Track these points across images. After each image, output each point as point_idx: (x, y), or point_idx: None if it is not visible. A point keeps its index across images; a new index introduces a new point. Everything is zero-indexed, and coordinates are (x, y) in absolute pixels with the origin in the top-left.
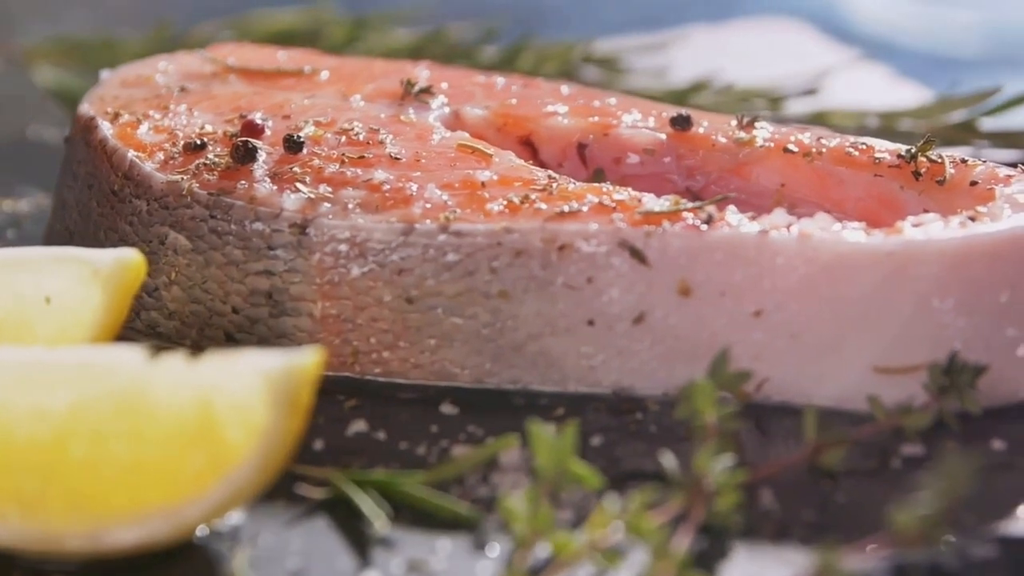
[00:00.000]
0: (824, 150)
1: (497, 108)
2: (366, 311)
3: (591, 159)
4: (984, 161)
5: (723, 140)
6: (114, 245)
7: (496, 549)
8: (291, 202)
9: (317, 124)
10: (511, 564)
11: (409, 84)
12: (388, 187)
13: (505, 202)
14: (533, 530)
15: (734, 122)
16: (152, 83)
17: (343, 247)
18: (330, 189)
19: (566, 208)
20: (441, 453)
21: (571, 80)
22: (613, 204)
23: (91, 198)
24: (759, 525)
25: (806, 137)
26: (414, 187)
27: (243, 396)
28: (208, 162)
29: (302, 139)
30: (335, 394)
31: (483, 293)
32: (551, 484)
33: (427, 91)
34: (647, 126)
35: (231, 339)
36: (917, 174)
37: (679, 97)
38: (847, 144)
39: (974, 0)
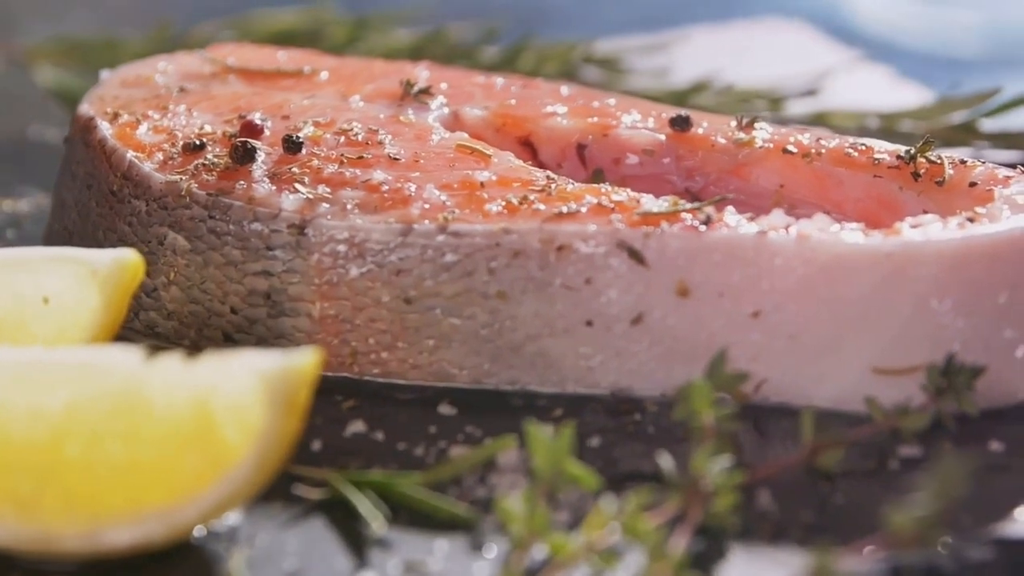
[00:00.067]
0: (823, 151)
1: (496, 109)
2: (364, 311)
3: (590, 160)
4: (983, 162)
5: (722, 141)
6: (113, 245)
7: (493, 550)
8: (290, 202)
9: (316, 124)
10: (508, 565)
11: (408, 85)
12: (387, 188)
13: (504, 203)
14: (530, 531)
15: (733, 123)
16: (152, 83)
17: (341, 247)
18: (329, 189)
19: (564, 209)
20: (439, 454)
21: (572, 80)
22: (612, 205)
23: (90, 198)
24: (756, 526)
25: (805, 138)
26: (413, 187)
27: (240, 397)
28: (207, 162)
29: (301, 139)
30: (333, 395)
31: (481, 294)
32: (548, 485)
33: (426, 91)
34: (646, 127)
35: (229, 339)
36: (916, 175)
37: (679, 98)
38: (846, 145)
39: (975, 1)
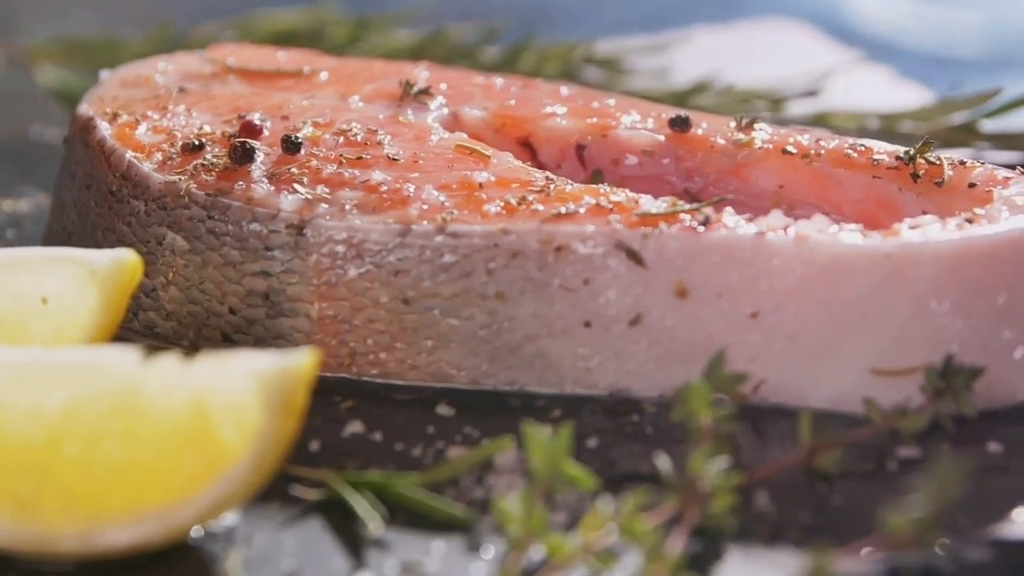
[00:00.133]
0: (823, 152)
1: (496, 109)
2: (363, 312)
3: (590, 160)
4: (983, 163)
5: (722, 142)
6: (112, 245)
7: (491, 551)
8: (288, 203)
9: (315, 125)
10: (505, 565)
11: (408, 85)
12: (385, 188)
13: (502, 203)
14: (527, 532)
15: (733, 124)
16: (151, 83)
17: (340, 248)
18: (327, 190)
19: (563, 209)
20: (437, 454)
21: (572, 81)
22: (610, 206)
23: (89, 198)
24: (754, 527)
25: (805, 139)
26: (411, 188)
27: (237, 397)
28: (206, 163)
29: (300, 140)
30: (331, 395)
31: (480, 294)
32: (546, 486)
33: (426, 92)
34: (646, 127)
35: (228, 340)
36: (916, 176)
37: (680, 98)
38: (846, 146)
39: (976, 1)
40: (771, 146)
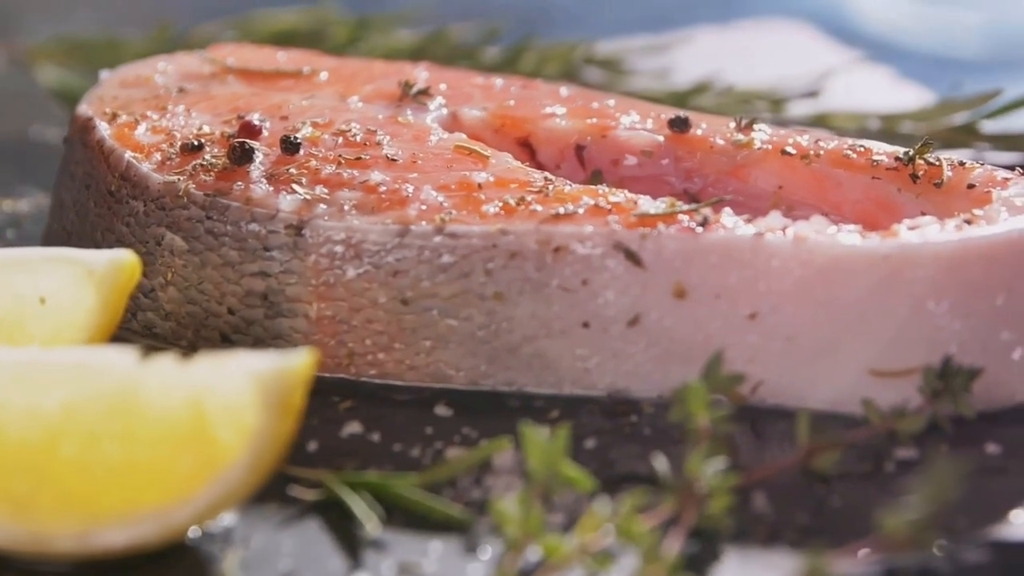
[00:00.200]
0: (822, 152)
1: (495, 109)
2: (361, 312)
3: (589, 161)
4: (982, 164)
5: (721, 142)
6: (111, 246)
7: (488, 551)
8: (287, 203)
9: (314, 125)
10: (502, 566)
11: (407, 85)
12: (384, 188)
13: (501, 204)
14: (524, 533)
15: (732, 124)
16: (151, 84)
17: (339, 248)
18: (326, 190)
19: (562, 210)
20: (435, 455)
21: (573, 81)
22: (609, 206)
23: (88, 198)
24: (751, 528)
25: (804, 139)
26: (410, 188)
27: (235, 397)
28: (205, 163)
29: (299, 140)
30: (330, 395)
31: (478, 295)
32: (543, 487)
33: (425, 92)
34: (645, 128)
35: (227, 340)
36: (915, 177)
37: (680, 99)
38: (845, 146)
39: (976, 1)
40: (770, 147)
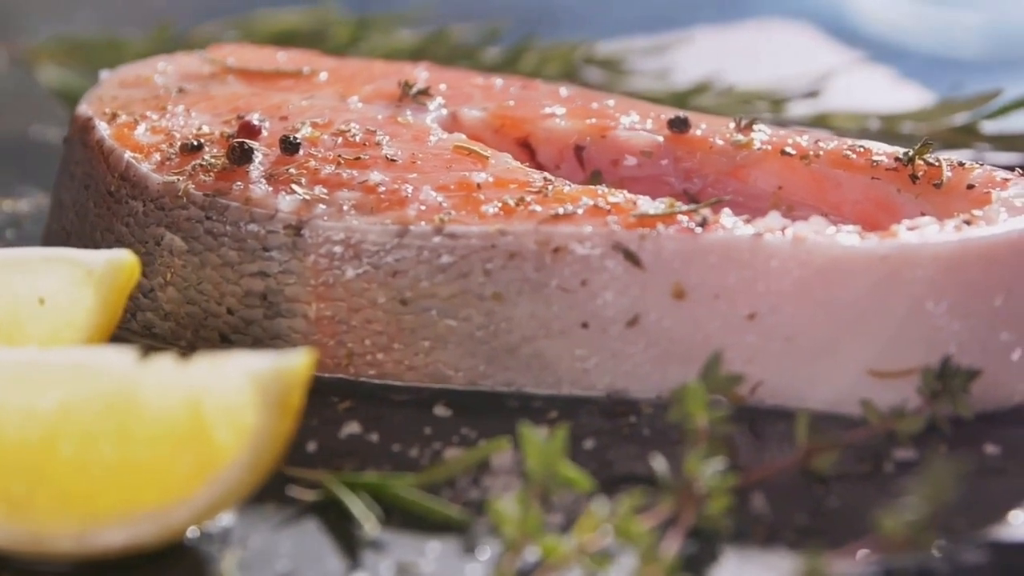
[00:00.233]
0: (821, 153)
1: (495, 110)
2: (360, 313)
3: (588, 161)
4: (982, 164)
5: (720, 143)
6: (110, 246)
7: (486, 552)
8: (286, 203)
9: (314, 125)
10: (500, 567)
11: (407, 86)
12: (383, 189)
13: (500, 204)
14: (523, 533)
15: (732, 125)
16: (151, 84)
17: (338, 249)
18: (325, 191)
19: (561, 210)
20: (434, 455)
21: (573, 81)
22: (608, 207)
23: (88, 199)
24: (750, 529)
25: (804, 140)
26: (409, 189)
27: (233, 397)
28: (204, 163)
29: (298, 140)
30: (329, 396)
31: (477, 295)
32: (541, 487)
33: (425, 92)
34: (645, 128)
35: (226, 340)
36: (914, 177)
37: (680, 99)
38: (845, 147)
39: (976, 1)
40: (770, 147)
